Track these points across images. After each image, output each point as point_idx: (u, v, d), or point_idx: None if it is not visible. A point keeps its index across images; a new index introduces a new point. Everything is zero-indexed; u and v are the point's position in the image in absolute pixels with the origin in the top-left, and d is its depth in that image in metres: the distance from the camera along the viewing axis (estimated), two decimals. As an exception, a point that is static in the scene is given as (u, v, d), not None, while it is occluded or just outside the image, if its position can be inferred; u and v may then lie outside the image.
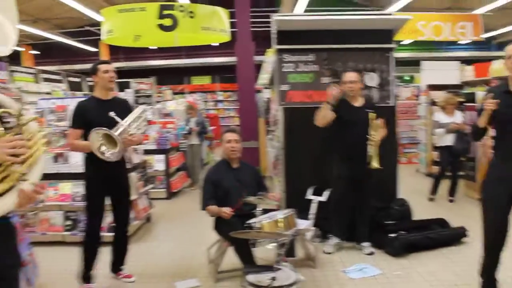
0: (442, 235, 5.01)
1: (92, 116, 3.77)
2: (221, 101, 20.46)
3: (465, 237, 5.09)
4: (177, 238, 5.72)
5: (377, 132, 4.62)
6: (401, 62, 20.06)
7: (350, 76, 4.76)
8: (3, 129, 1.89)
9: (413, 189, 8.01)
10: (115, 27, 8.16)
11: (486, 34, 18.42)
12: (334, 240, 4.96)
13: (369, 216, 4.99)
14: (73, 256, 4.19)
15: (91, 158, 3.79)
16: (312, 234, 4.70)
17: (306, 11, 13.14)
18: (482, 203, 3.48)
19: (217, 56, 19.20)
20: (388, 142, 5.38)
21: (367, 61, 5.53)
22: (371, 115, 4.61)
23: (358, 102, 4.78)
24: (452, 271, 4.32)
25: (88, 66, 4.30)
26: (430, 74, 10.22)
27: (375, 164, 4.59)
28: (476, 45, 19.32)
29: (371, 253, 4.84)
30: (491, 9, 14.54)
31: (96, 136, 3.57)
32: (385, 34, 5.56)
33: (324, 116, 4.68)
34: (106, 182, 3.95)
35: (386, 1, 15.88)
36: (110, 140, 3.60)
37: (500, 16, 16.94)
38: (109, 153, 3.61)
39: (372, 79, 5.54)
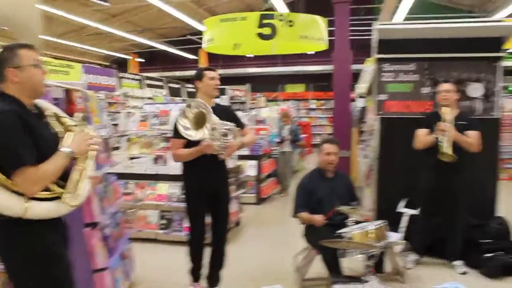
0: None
1: None
2: (313, 109, 20.43)
3: None
4: (265, 243, 5.82)
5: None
6: (507, 72, 18.88)
7: (445, 85, 4.59)
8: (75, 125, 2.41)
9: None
10: (216, 36, 8.52)
11: None
12: (413, 256, 4.81)
13: (462, 232, 4.76)
14: (166, 254, 4.40)
15: (192, 168, 3.85)
16: (402, 248, 4.58)
17: (406, 19, 12.79)
18: None
19: (311, 64, 19.26)
20: (488, 156, 5.12)
21: (471, 70, 5.28)
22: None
23: (452, 114, 4.51)
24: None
25: (188, 73, 4.49)
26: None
27: (445, 151, 4.31)
28: None
29: (464, 273, 4.62)
30: None
31: (189, 111, 3.51)
32: (493, 42, 5.26)
33: (427, 143, 4.54)
34: (206, 192, 3.89)
35: (494, 6, 15.00)
36: (199, 123, 3.51)
37: None
38: (189, 132, 3.50)
39: (477, 90, 5.27)
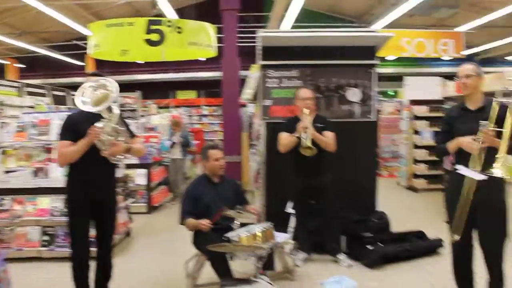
0: (419, 247, 5.11)
1: (82, 128, 3.50)
2: (205, 115, 20.51)
3: (442, 247, 5.17)
4: (156, 252, 5.71)
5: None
6: (385, 78, 20.49)
7: (306, 92, 4.86)
8: None
9: (393, 202, 8.11)
10: (103, 42, 8.19)
11: (469, 51, 18.80)
12: (302, 255, 5.02)
13: (337, 227, 5.08)
14: (51, 272, 4.12)
15: (77, 177, 3.66)
16: (291, 247, 4.76)
17: (293, 27, 13.32)
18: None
19: (203, 71, 19.29)
20: (367, 156, 5.50)
21: (350, 76, 5.63)
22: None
23: (311, 117, 4.79)
24: (428, 282, 4.40)
25: (75, 79, 4.28)
26: (413, 89, 10.38)
27: (307, 144, 4.60)
28: (459, 61, 19.62)
29: (349, 266, 4.90)
30: (473, 27, 14.87)
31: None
32: (368, 51, 5.66)
33: (289, 145, 4.79)
34: (91, 202, 3.66)
35: (372, 18, 16.17)
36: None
37: (482, 34, 17.30)
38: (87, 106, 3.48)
39: (355, 95, 5.63)
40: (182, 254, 4.57)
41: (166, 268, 5.05)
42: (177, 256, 5.13)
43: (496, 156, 3.17)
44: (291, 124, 4.83)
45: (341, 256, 5.00)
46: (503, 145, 3.18)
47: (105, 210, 3.83)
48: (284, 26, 12.43)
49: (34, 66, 20.22)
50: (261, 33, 5.36)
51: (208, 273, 4.19)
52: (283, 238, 4.44)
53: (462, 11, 16.48)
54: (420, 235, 5.42)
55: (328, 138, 4.78)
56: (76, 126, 3.60)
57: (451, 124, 3.60)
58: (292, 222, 4.87)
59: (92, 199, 3.67)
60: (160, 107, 18.25)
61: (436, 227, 6.12)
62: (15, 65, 19.98)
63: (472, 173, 3.28)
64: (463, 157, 3.40)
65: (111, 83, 3.58)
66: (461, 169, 3.41)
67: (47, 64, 19.82)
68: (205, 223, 3.91)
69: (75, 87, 3.85)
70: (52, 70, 19.96)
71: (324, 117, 5.08)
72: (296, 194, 4.95)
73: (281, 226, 4.85)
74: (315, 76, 5.58)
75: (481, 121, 3.34)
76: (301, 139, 4.64)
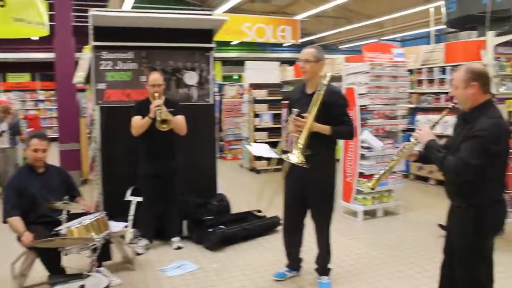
0: (257, 226, 5.31)
1: None
2: (42, 100, 18.88)
3: (280, 225, 5.45)
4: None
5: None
6: (230, 62, 21.03)
7: (156, 78, 4.71)
8: None
9: (237, 183, 8.40)
10: None
11: (306, 38, 20.08)
12: (143, 241, 4.92)
13: (179, 211, 5.07)
14: None
15: None
16: (132, 236, 4.62)
17: (134, 7, 12.84)
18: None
19: (36, 51, 17.63)
20: (205, 139, 5.54)
21: (187, 60, 5.57)
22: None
23: (161, 99, 4.70)
24: (266, 258, 4.61)
25: None
26: (254, 73, 10.73)
27: (164, 117, 4.54)
28: (298, 47, 20.92)
29: (178, 248, 4.92)
30: (308, 16, 15.89)
31: None
32: (205, 34, 5.64)
33: (143, 126, 4.63)
34: None
35: (217, 2, 16.33)
36: None
37: (317, 23, 18.60)
38: None
39: (192, 78, 5.61)
40: (10, 253, 4.14)
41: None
42: (3, 256, 4.64)
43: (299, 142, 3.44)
44: (142, 107, 4.65)
45: (175, 239, 5.00)
46: (303, 133, 3.43)
47: None
48: (126, 6, 11.96)
49: None
50: (92, 12, 5.01)
51: (39, 271, 3.87)
52: (120, 227, 4.29)
53: (301, 0, 17.53)
54: (258, 214, 5.65)
55: (180, 121, 4.73)
56: None
57: (291, 105, 3.78)
58: (132, 209, 4.74)
59: None
60: (-13, 91, 16.33)
61: (275, 205, 6.47)
62: None
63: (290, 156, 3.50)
64: (295, 139, 3.61)
65: None
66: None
67: None
68: (27, 240, 3.56)
69: None
70: None
71: (175, 101, 5.00)
72: (145, 179, 4.82)
73: (120, 215, 4.71)
74: (151, 58, 5.41)
75: (293, 108, 3.57)
76: (156, 117, 4.49)
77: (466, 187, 2.58)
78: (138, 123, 4.65)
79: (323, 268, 3.94)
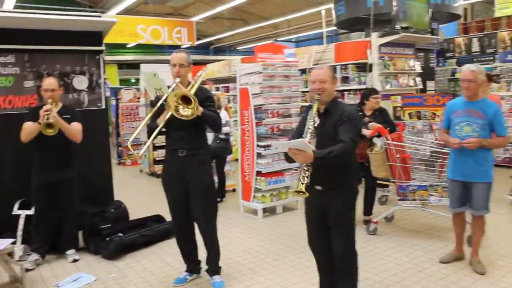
0: (156, 231, 5.22)
1: None
2: None
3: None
4: None
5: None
6: (127, 65, 20.49)
7: (49, 83, 4.50)
8: None
9: (135, 189, 8.21)
10: None
11: (203, 40, 20.13)
12: (33, 257, 4.64)
13: (74, 222, 4.87)
14: None
15: None
16: (21, 253, 4.35)
17: (16, 7, 12.03)
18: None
19: None
20: (99, 145, 5.35)
21: (75, 63, 5.33)
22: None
23: (56, 108, 4.52)
24: (166, 263, 4.56)
25: None
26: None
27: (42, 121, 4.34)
28: (198, 49, 20.95)
29: (74, 260, 4.73)
30: (204, 17, 15.93)
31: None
32: (94, 36, 5.44)
33: (32, 132, 4.39)
34: None
35: (109, 4, 15.82)
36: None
37: (213, 24, 18.71)
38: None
39: (82, 82, 5.39)
40: None
41: None
42: None
43: None
44: (36, 112, 4.37)
45: (70, 252, 4.79)
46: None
47: None
48: (7, 6, 11.19)
49: None
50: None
51: None
52: (7, 243, 3.99)
53: (196, 2, 17.53)
54: (158, 218, 5.56)
55: (74, 128, 4.52)
56: None
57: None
58: (21, 224, 4.45)
59: None
60: None
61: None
62: None
63: None
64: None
65: None
66: None
67: None
68: None
69: None
70: None
71: (72, 108, 4.77)
72: (37, 188, 4.56)
73: (8, 230, 4.42)
74: (36, 62, 5.11)
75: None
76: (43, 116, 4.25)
77: (343, 168, 2.98)
78: (27, 129, 4.40)
79: (213, 267, 3.99)
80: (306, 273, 4.20)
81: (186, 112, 3.47)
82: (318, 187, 3.03)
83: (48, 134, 4.27)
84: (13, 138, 4.52)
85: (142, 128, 4.09)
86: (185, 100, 3.46)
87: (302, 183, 2.69)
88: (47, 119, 4.24)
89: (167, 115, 3.59)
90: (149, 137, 3.75)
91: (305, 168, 2.74)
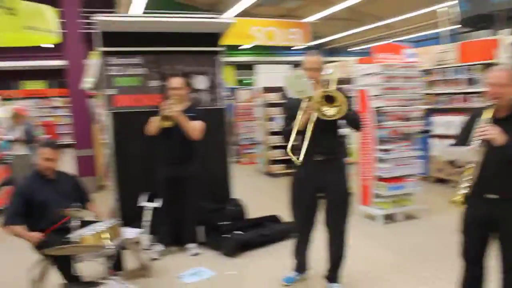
0: (274, 231, 5.20)
1: None
2: (58, 107, 18.99)
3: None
4: (1, 260, 5.12)
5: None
6: (241, 66, 21.02)
7: (176, 82, 4.71)
8: None
9: (252, 188, 8.30)
10: None
11: (316, 41, 20.00)
12: (159, 247, 4.87)
13: (196, 217, 5.00)
14: None
15: None
16: (148, 242, 4.57)
17: (144, 13, 12.86)
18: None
19: (50, 58, 17.76)
20: (217, 143, 5.46)
21: (195, 64, 5.51)
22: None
23: (182, 106, 4.69)
24: (283, 265, 4.50)
25: None
26: (266, 77, 10.67)
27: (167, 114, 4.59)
28: (309, 50, 20.83)
29: (195, 254, 4.86)
30: (318, 18, 15.80)
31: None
32: (212, 37, 5.59)
33: (153, 125, 4.63)
34: None
35: (224, 6, 16.31)
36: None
37: (325, 26, 18.51)
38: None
39: (202, 82, 5.56)
40: (27, 260, 4.10)
41: (8, 279, 4.52)
42: (21, 265, 4.61)
43: None
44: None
45: (190, 245, 4.94)
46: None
47: None
48: (135, 12, 11.98)
49: None
50: (98, 18, 4.96)
51: (54, 279, 3.82)
52: (135, 233, 4.22)
53: (309, 3, 17.45)
54: (274, 219, 5.56)
55: (193, 125, 4.66)
56: None
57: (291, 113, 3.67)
58: (147, 215, 4.69)
59: None
60: (4, 99, 16.45)
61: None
62: None
63: None
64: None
65: None
66: None
67: None
68: (34, 236, 3.53)
69: None
70: None
71: (199, 108, 4.96)
72: (162, 183, 4.79)
73: (136, 221, 4.67)
74: (160, 63, 5.36)
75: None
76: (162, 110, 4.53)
77: None
78: (151, 122, 4.65)
79: (335, 275, 3.85)
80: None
81: (329, 112, 3.35)
82: (492, 196, 2.76)
83: (164, 126, 4.52)
84: (141, 134, 4.77)
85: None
86: (329, 99, 3.37)
87: (461, 193, 2.48)
88: (165, 112, 4.46)
89: (309, 117, 3.49)
90: (286, 141, 3.60)
91: (468, 177, 2.52)
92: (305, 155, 3.56)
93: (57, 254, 3.27)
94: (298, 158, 3.46)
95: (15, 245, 4.35)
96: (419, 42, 19.42)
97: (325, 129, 3.51)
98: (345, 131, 6.50)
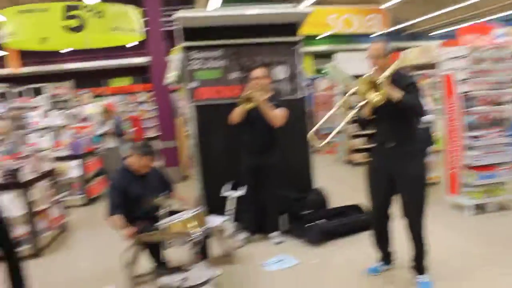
0: (357, 221, 5.12)
1: None
2: (143, 102, 19.90)
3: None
4: (96, 245, 5.49)
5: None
6: (319, 55, 20.78)
7: (257, 72, 4.80)
8: None
9: (333, 177, 8.23)
10: (18, 29, 7.69)
11: (396, 27, 19.32)
12: (244, 234, 4.98)
13: (277, 206, 5.05)
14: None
15: None
16: (231, 230, 4.69)
17: (222, 7, 13.10)
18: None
19: (134, 56, 18.69)
20: (298, 133, 5.46)
21: (274, 55, 5.52)
22: None
23: (266, 95, 4.75)
24: (367, 255, 4.43)
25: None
26: (345, 65, 10.46)
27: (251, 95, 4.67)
28: (390, 36, 20.20)
29: (279, 242, 4.91)
30: (397, 2, 15.25)
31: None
32: (290, 28, 5.58)
33: (237, 112, 4.73)
34: None
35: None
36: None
37: (407, 9, 17.81)
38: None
39: (281, 73, 5.57)
40: (120, 245, 4.38)
41: (106, 260, 4.85)
42: (115, 248, 4.92)
43: None
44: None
45: (274, 234, 5.00)
46: None
47: None
48: (213, 6, 12.23)
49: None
50: (180, 14, 5.13)
51: (146, 263, 4.08)
52: (220, 221, 4.34)
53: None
54: (357, 208, 5.47)
55: (274, 112, 4.73)
56: None
57: None
58: (230, 204, 4.80)
59: None
60: (96, 96, 17.56)
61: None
62: None
63: None
64: None
65: None
66: None
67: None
68: (129, 233, 3.75)
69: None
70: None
71: (278, 96, 5.06)
72: (247, 172, 4.92)
73: (220, 209, 4.79)
74: (240, 55, 5.44)
75: None
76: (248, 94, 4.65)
77: None
78: (235, 112, 4.77)
79: (419, 265, 3.72)
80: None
81: (375, 98, 3.27)
82: None
83: (247, 109, 4.63)
84: (223, 125, 4.93)
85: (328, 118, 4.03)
86: (375, 86, 3.28)
87: None
88: (247, 94, 4.60)
89: (364, 104, 3.45)
90: (362, 128, 3.77)
91: None
92: (378, 142, 3.53)
93: (147, 240, 3.45)
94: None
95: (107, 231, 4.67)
96: (509, 21, 18.14)
97: (393, 116, 3.43)
98: (428, 118, 6.27)
